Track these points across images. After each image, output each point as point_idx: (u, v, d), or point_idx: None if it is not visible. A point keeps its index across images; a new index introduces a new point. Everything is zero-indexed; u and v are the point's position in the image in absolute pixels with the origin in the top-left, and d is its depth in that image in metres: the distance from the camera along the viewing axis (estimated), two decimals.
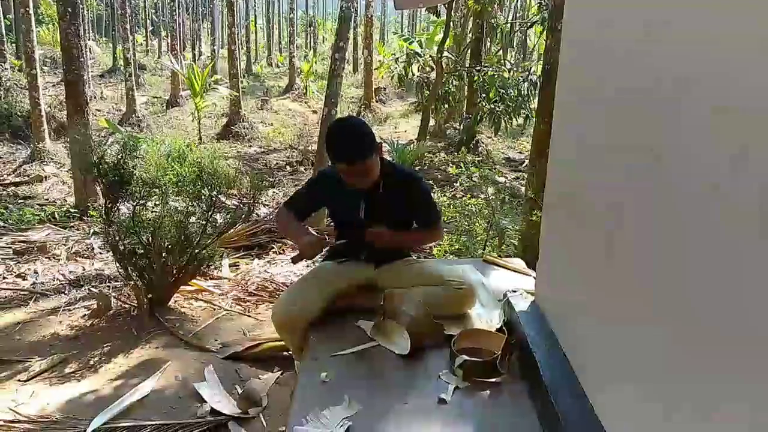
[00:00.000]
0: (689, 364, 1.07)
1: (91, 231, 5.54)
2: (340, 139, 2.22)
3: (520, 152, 11.77)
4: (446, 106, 12.39)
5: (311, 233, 2.40)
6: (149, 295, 3.60)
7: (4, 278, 4.35)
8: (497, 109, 9.82)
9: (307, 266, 4.75)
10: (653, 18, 1.23)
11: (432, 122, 12.54)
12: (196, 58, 27.46)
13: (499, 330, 2.17)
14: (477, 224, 4.88)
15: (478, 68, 10.83)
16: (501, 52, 12.96)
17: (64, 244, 5.17)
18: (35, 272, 4.46)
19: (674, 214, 1.11)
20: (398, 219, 2.45)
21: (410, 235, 2.58)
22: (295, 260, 2.40)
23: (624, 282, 1.36)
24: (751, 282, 0.88)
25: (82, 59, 6.58)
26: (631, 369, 1.32)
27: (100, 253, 5.00)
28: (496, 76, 10.26)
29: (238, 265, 4.83)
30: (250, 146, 12.29)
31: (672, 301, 1.12)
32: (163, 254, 3.57)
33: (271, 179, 8.85)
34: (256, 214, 5.79)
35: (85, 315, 3.66)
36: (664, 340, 1.15)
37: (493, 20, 11.29)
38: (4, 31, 12.56)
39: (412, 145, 10.49)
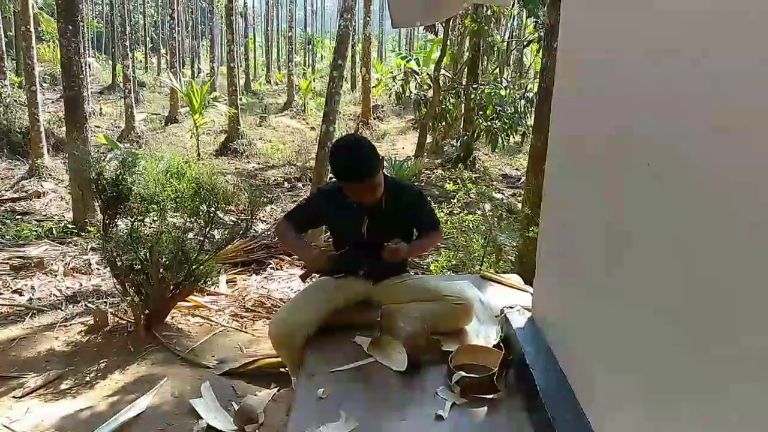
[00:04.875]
0: (690, 381, 1.07)
1: (89, 247, 5.53)
2: (347, 158, 2.23)
3: (516, 169, 11.83)
4: (443, 123, 12.47)
5: (315, 248, 2.43)
6: (146, 311, 3.59)
7: (0, 294, 4.34)
8: (494, 126, 9.90)
9: (306, 282, 4.75)
10: (649, 35, 1.25)
11: (429, 139, 12.62)
12: (195, 75, 27.64)
13: (496, 346, 2.17)
14: (474, 240, 4.89)
15: (475, 86, 10.93)
16: (497, 70, 13.07)
17: (62, 260, 5.16)
18: (32, 288, 4.45)
19: (673, 229, 1.12)
20: (399, 231, 2.47)
21: (419, 246, 2.64)
22: (303, 277, 2.43)
23: (622, 298, 1.37)
24: (756, 295, 0.88)
25: (82, 76, 6.62)
26: (629, 385, 1.32)
27: (98, 268, 4.99)
28: (492, 94, 10.34)
29: (235, 281, 4.82)
30: (249, 163, 12.33)
31: (672, 316, 1.13)
32: (161, 270, 3.57)
33: (269, 195, 8.87)
34: (254, 230, 5.80)
35: (81, 331, 3.65)
36: (664, 356, 1.16)
37: (489, 39, 11.42)
38: (4, 48, 12.63)
39: (409, 162, 10.55)
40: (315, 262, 2.40)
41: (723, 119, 0.96)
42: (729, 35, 0.95)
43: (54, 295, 4.33)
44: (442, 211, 6.88)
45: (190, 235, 3.78)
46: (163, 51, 28.76)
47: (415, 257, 5.15)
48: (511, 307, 2.29)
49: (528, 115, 9.94)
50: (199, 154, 12.29)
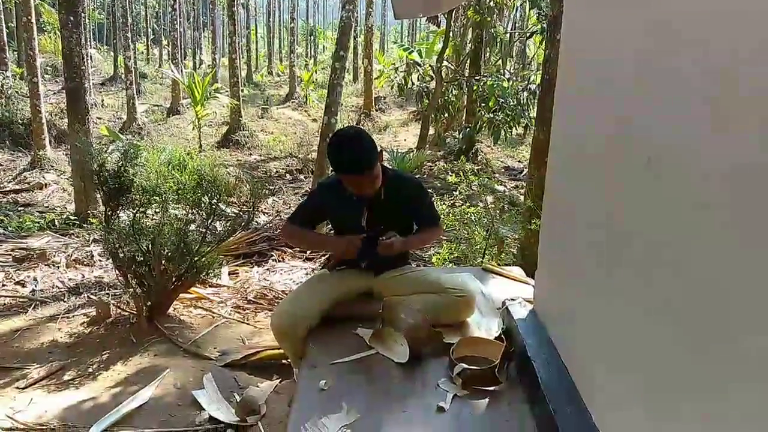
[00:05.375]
0: (691, 374, 1.07)
1: (91, 238, 5.54)
2: (345, 151, 2.23)
3: (519, 161, 11.81)
4: (446, 115, 12.44)
5: (340, 236, 2.48)
6: (148, 303, 3.60)
7: (3, 285, 4.35)
8: (496, 118, 9.86)
9: (306, 274, 4.76)
10: (652, 28, 1.25)
11: (431, 131, 12.59)
12: (197, 66, 27.59)
13: (498, 338, 2.17)
14: (476, 233, 4.89)
15: (477, 78, 10.89)
16: (500, 61, 13.01)
17: (64, 252, 5.17)
18: (34, 279, 4.46)
19: (673, 229, 1.12)
20: (399, 224, 2.47)
21: (418, 239, 2.63)
22: (332, 266, 2.47)
23: (621, 297, 1.37)
24: (756, 295, 0.88)
25: (83, 67, 6.61)
26: (629, 385, 1.32)
27: (100, 260, 5.00)
28: (495, 86, 10.31)
29: (237, 273, 4.83)
30: (250, 154, 12.32)
31: (672, 310, 1.13)
32: (163, 262, 3.57)
33: (271, 187, 8.88)
34: (256, 222, 5.81)
35: (84, 322, 3.66)
36: (665, 348, 1.16)
37: (492, 30, 11.35)
38: (5, 39, 12.60)
39: (411, 154, 10.52)
40: (349, 245, 2.37)
41: (723, 119, 0.96)
42: (729, 35, 0.94)
43: (56, 286, 4.34)
44: (443, 203, 6.88)
45: (192, 226, 3.78)
46: (164, 42, 28.67)
47: (417, 249, 5.15)
48: (513, 300, 2.29)
49: (531, 106, 9.89)
50: (200, 146, 12.29)
